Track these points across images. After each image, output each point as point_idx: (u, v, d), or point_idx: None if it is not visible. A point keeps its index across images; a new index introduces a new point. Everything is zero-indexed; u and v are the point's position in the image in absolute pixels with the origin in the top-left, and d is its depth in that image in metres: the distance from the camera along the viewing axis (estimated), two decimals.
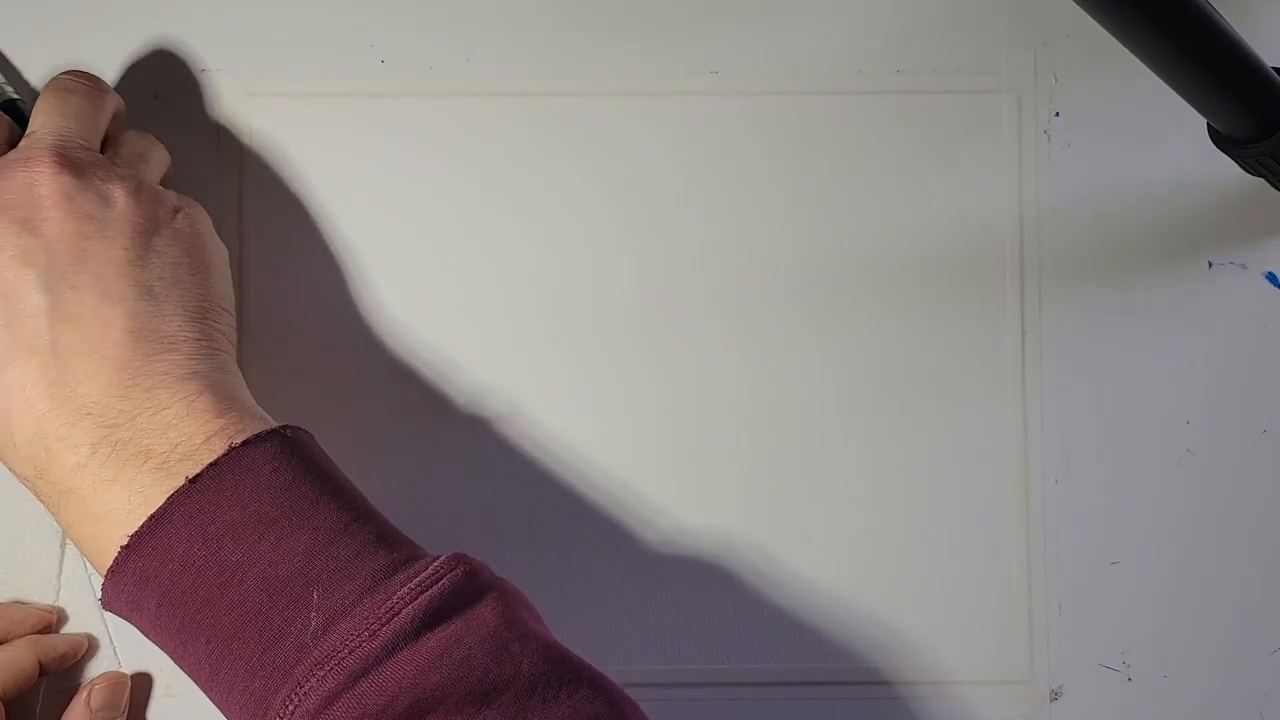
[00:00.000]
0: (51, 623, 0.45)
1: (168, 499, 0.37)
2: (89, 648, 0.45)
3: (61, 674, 0.45)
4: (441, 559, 0.37)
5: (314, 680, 0.35)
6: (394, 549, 0.38)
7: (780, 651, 0.47)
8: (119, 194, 0.41)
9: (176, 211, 0.42)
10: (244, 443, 0.38)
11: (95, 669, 0.45)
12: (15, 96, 0.46)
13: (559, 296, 0.47)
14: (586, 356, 0.47)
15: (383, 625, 0.35)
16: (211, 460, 0.37)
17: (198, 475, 0.37)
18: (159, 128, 0.46)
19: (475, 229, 0.47)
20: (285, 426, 0.39)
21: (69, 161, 0.40)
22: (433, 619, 0.36)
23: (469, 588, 0.37)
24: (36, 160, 0.40)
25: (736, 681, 0.46)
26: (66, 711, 0.44)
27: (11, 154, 0.41)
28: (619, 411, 0.47)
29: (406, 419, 0.47)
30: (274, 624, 0.36)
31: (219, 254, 0.43)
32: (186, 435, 0.38)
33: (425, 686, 0.35)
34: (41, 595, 0.46)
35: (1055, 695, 0.47)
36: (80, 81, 0.43)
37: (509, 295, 0.47)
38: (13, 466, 0.40)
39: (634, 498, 0.47)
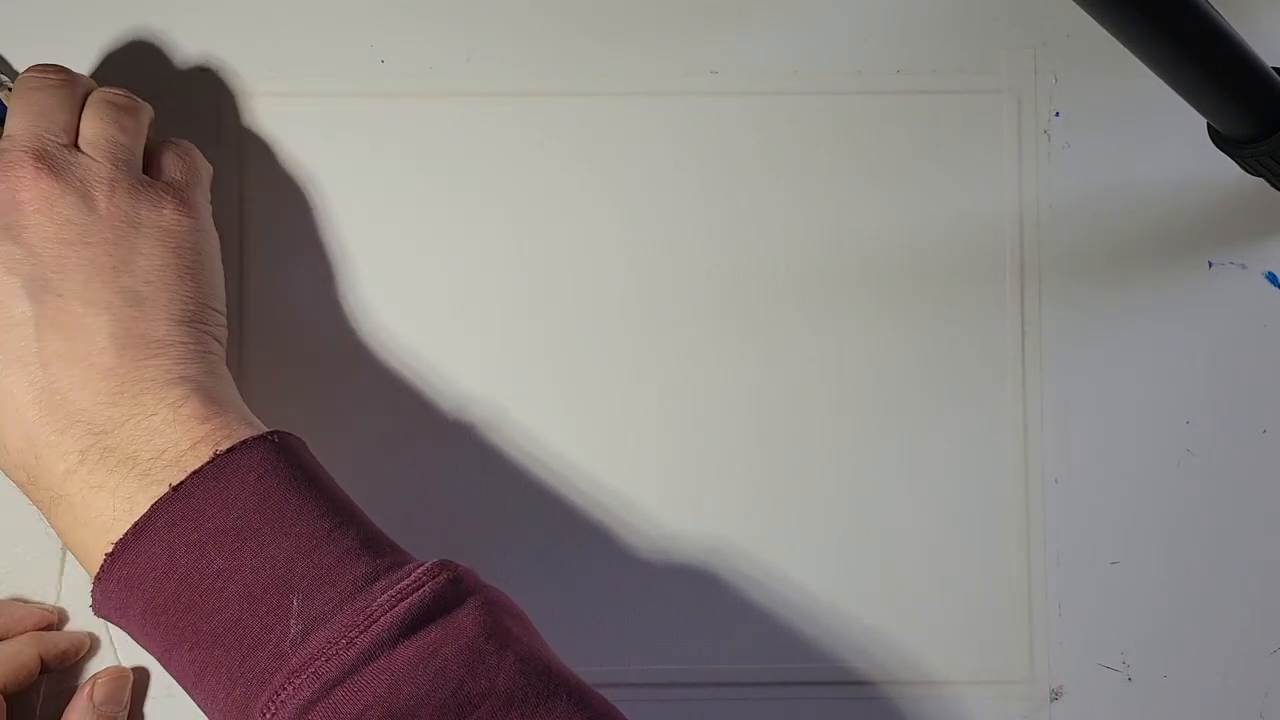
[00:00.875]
0: (53, 622, 0.45)
1: (152, 506, 0.37)
2: (90, 646, 0.45)
3: (62, 674, 0.45)
4: (425, 566, 0.37)
5: (290, 688, 0.34)
6: (379, 555, 0.37)
7: (779, 652, 0.47)
8: (100, 195, 0.40)
9: (164, 202, 0.41)
10: (229, 449, 0.38)
11: (96, 669, 0.45)
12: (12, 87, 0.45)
13: (559, 297, 0.47)
14: (588, 356, 0.47)
15: (360, 633, 0.35)
16: (196, 467, 0.37)
17: (181, 483, 0.37)
18: (159, 127, 0.45)
19: (475, 229, 0.47)
20: (274, 432, 0.39)
21: (47, 164, 0.40)
22: (411, 627, 0.35)
23: (451, 595, 0.37)
24: (15, 165, 0.40)
25: (734, 682, 0.46)
26: (69, 706, 0.44)
27: None
28: (624, 412, 0.47)
29: (404, 420, 0.47)
30: (254, 632, 0.36)
31: (210, 250, 0.43)
32: (173, 441, 0.38)
33: (399, 698, 0.34)
34: (43, 596, 0.46)
35: (1055, 695, 0.47)
36: (46, 76, 0.43)
37: (508, 295, 0.47)
38: (7, 473, 0.40)
39: (633, 499, 0.47)
